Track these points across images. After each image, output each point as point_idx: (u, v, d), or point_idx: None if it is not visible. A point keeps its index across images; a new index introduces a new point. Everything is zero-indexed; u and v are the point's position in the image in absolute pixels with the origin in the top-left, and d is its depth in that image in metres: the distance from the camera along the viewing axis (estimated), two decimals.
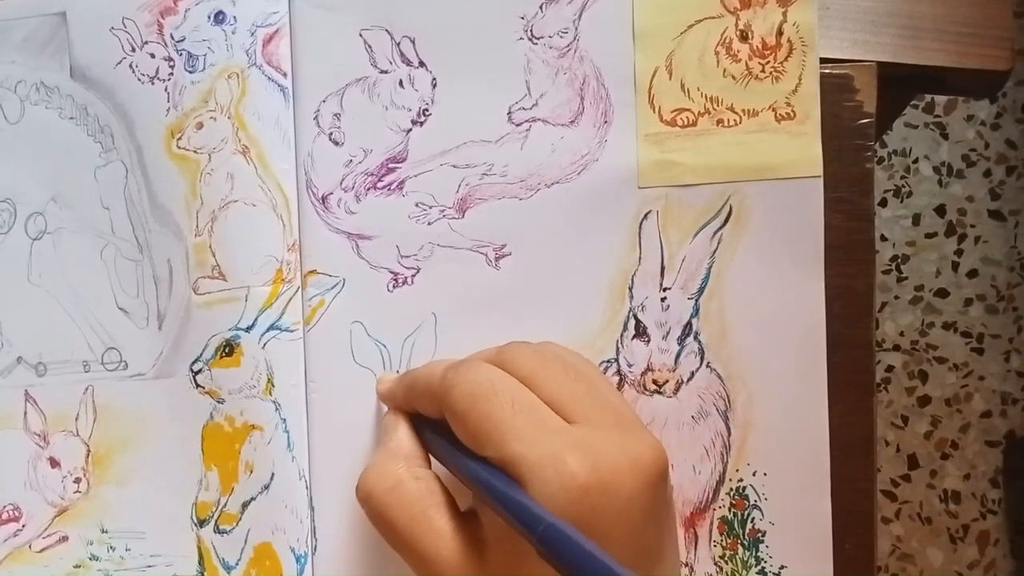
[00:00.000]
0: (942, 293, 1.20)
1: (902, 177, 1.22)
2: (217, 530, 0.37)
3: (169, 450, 0.38)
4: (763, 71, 0.35)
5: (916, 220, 1.22)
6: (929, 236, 1.21)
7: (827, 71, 0.35)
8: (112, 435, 0.38)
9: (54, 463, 0.38)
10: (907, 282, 1.21)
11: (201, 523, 0.37)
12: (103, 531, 0.38)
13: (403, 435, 0.33)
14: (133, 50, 0.38)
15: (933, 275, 1.20)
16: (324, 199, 0.37)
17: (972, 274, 1.20)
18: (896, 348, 1.20)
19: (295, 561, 0.36)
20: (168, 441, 0.38)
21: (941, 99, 1.20)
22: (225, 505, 0.37)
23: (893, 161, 1.22)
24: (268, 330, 0.37)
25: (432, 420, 0.32)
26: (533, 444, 0.27)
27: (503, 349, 0.31)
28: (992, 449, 1.18)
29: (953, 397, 1.19)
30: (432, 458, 0.32)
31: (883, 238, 1.21)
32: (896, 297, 1.20)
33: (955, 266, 1.20)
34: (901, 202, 1.22)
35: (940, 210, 1.21)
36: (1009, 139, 1.21)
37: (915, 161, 1.22)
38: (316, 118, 0.37)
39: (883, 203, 1.22)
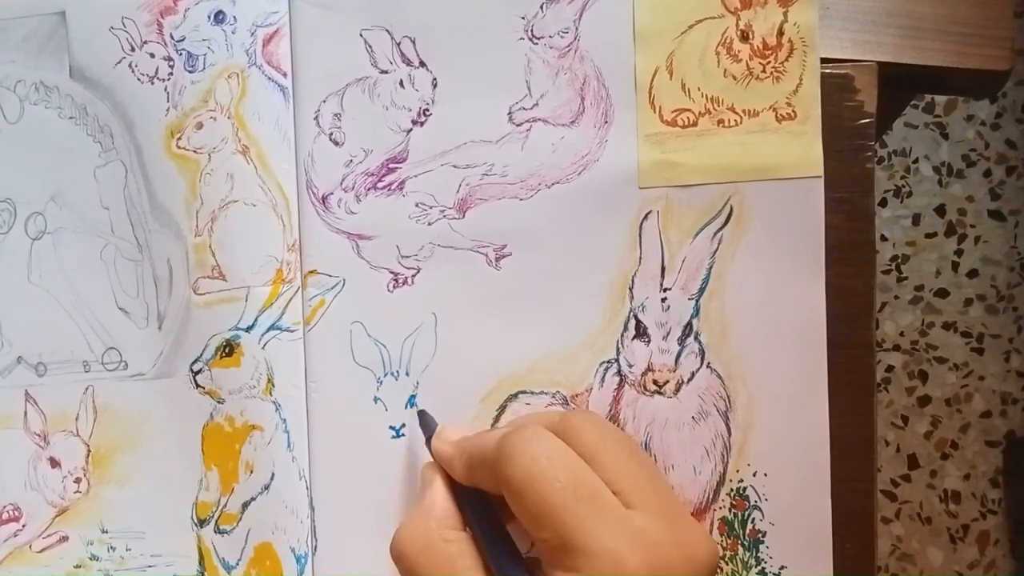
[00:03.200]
0: (942, 293, 1.20)
1: (902, 177, 1.22)
2: (217, 530, 0.37)
3: (169, 450, 0.38)
4: (764, 71, 0.35)
5: (916, 220, 1.21)
6: (929, 236, 1.21)
7: (827, 71, 0.35)
8: (112, 435, 0.38)
9: (54, 463, 0.38)
10: (907, 282, 1.21)
11: (201, 523, 0.37)
12: (103, 531, 0.38)
13: (438, 494, 0.32)
14: (133, 50, 0.38)
15: (933, 275, 1.20)
16: (324, 199, 0.37)
17: (972, 274, 1.20)
18: (896, 348, 1.19)
19: (295, 561, 0.36)
20: (168, 441, 0.38)
21: (941, 99, 1.20)
22: (225, 505, 0.37)
23: (893, 161, 1.22)
24: (268, 330, 0.37)
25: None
26: (593, 534, 0.26)
27: (567, 417, 0.30)
28: (992, 449, 1.18)
29: (953, 397, 1.19)
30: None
31: (883, 238, 1.21)
32: (896, 297, 1.20)
33: (955, 266, 1.20)
34: (901, 202, 1.22)
35: (940, 210, 1.21)
36: (1009, 139, 1.21)
37: (915, 161, 1.22)
38: (316, 118, 0.37)
39: (883, 203, 1.22)
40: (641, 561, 0.26)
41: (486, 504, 0.31)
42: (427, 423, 0.35)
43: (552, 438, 0.29)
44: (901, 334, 1.20)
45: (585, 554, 0.26)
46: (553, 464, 0.28)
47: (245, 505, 0.37)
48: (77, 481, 0.38)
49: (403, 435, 0.37)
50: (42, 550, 0.38)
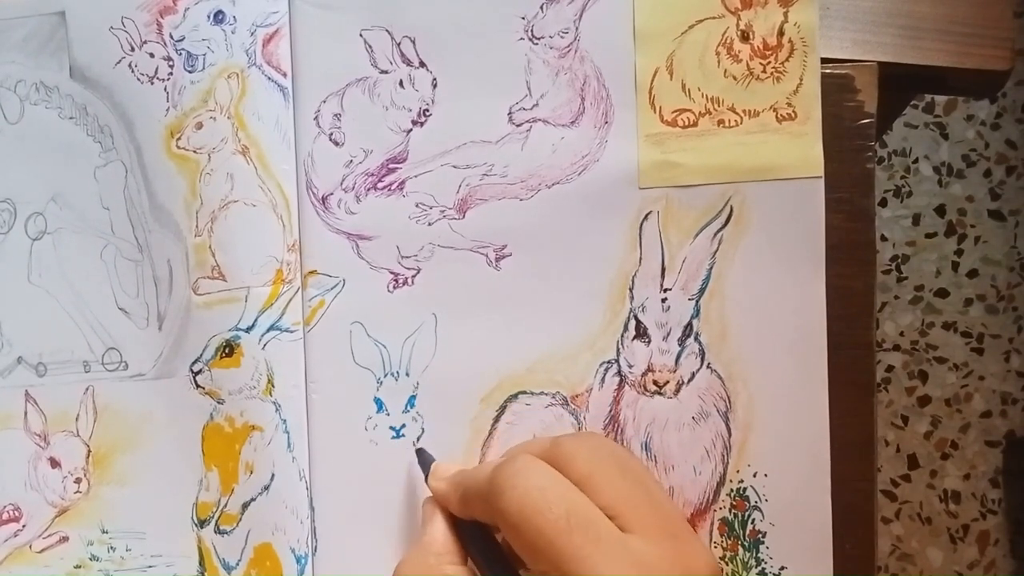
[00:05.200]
0: (942, 293, 1.20)
1: (902, 177, 1.22)
2: (217, 530, 0.37)
3: (169, 450, 0.38)
4: (764, 71, 0.35)
5: (916, 220, 1.21)
6: (929, 236, 1.21)
7: (827, 71, 0.35)
8: (112, 435, 0.38)
9: (54, 463, 0.38)
10: (907, 282, 1.21)
11: (202, 523, 0.37)
12: (103, 531, 0.38)
13: (438, 529, 0.32)
14: (132, 50, 0.38)
15: (933, 275, 1.20)
16: (324, 199, 0.37)
17: (972, 274, 1.20)
18: (896, 348, 1.19)
19: (295, 561, 0.36)
20: (168, 441, 0.38)
21: (941, 99, 1.20)
22: (225, 505, 0.37)
23: (893, 161, 1.22)
24: (268, 330, 0.37)
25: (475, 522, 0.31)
26: (591, 565, 0.26)
27: (558, 443, 0.30)
28: (992, 449, 1.18)
29: (953, 397, 1.19)
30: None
31: (883, 238, 1.21)
32: (896, 297, 1.20)
33: (955, 266, 1.20)
34: (901, 202, 1.22)
35: (940, 210, 1.21)
36: (1009, 139, 1.21)
37: (915, 161, 1.22)
38: (316, 118, 0.37)
39: (883, 203, 1.22)
40: None
41: (487, 536, 0.31)
42: (425, 461, 0.35)
43: (544, 468, 0.28)
44: (901, 334, 1.20)
45: None
46: (546, 496, 0.27)
47: (245, 505, 0.37)
48: (77, 481, 0.38)
49: (403, 435, 0.37)
50: (42, 550, 0.38)
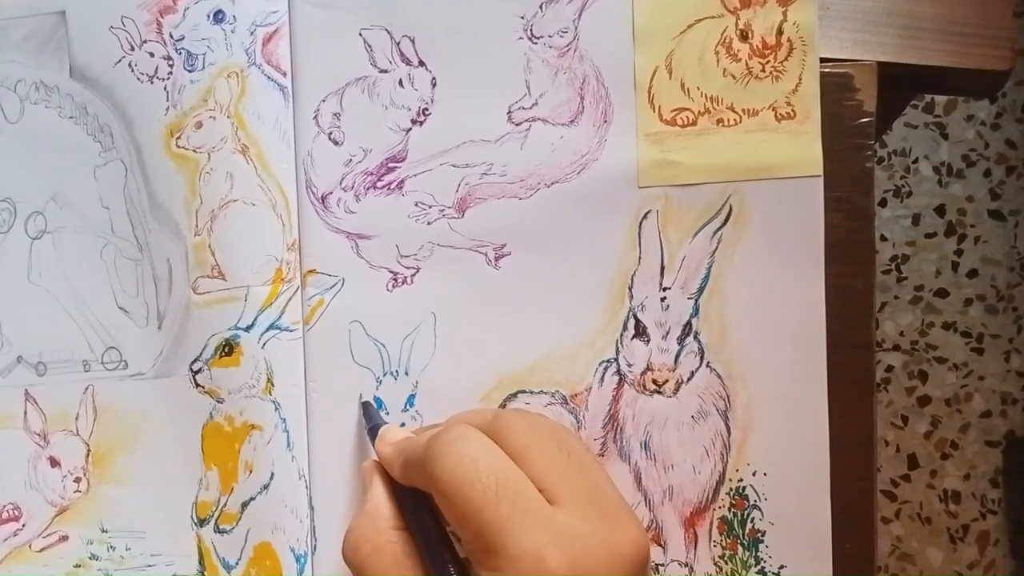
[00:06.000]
0: (942, 293, 1.20)
1: (902, 177, 1.22)
2: (217, 529, 0.37)
3: (169, 450, 0.38)
4: (763, 70, 0.35)
5: (916, 220, 1.21)
6: (929, 236, 1.21)
7: (827, 71, 0.35)
8: (112, 435, 0.38)
9: (54, 462, 0.38)
10: (907, 282, 1.21)
11: (201, 522, 0.37)
12: (103, 530, 0.38)
13: (379, 493, 0.32)
14: (132, 49, 0.38)
15: (933, 275, 1.20)
16: (324, 198, 0.37)
17: (972, 274, 1.20)
18: (896, 348, 1.19)
19: (295, 561, 0.36)
20: (168, 441, 0.38)
21: (941, 99, 1.20)
22: (225, 505, 0.37)
23: (893, 161, 1.22)
24: (268, 330, 0.37)
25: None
26: (514, 535, 0.26)
27: (498, 417, 0.30)
28: (992, 449, 1.18)
29: (953, 397, 1.19)
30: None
31: (883, 238, 1.21)
32: (896, 297, 1.20)
33: (955, 266, 1.20)
34: (901, 202, 1.22)
35: (940, 210, 1.21)
36: (1009, 139, 1.21)
37: (915, 161, 1.22)
38: (316, 117, 0.37)
39: (883, 203, 1.22)
40: (563, 560, 0.26)
41: (424, 503, 0.31)
42: (370, 415, 0.35)
43: (479, 438, 0.29)
44: (901, 334, 1.20)
45: (506, 555, 0.26)
46: (477, 465, 0.27)
47: (245, 505, 0.37)
48: (77, 480, 0.38)
49: None
50: (42, 549, 0.38)
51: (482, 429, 0.29)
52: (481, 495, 0.27)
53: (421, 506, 0.31)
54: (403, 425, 0.36)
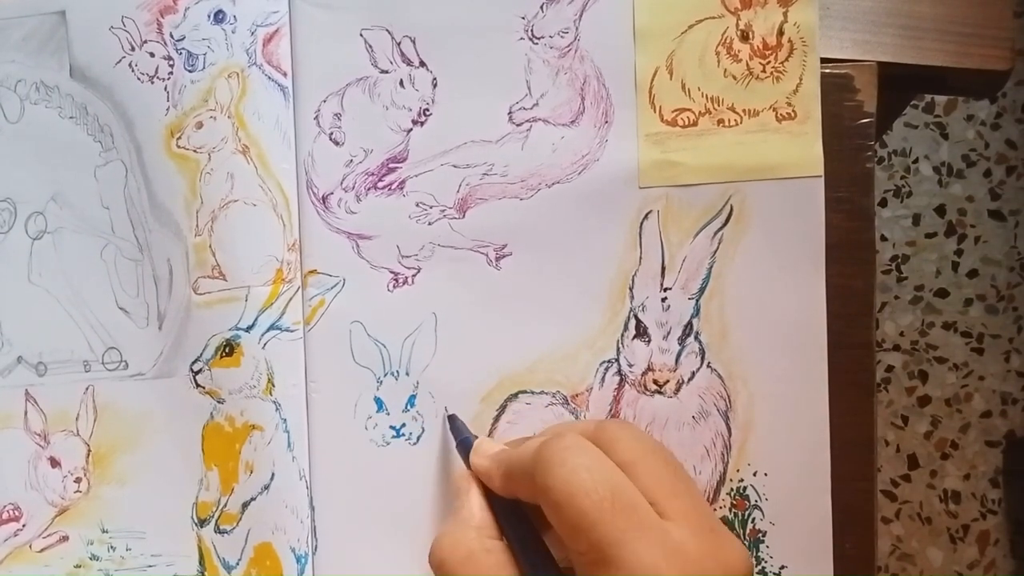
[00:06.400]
0: (942, 293, 1.20)
1: (902, 177, 1.22)
2: (217, 530, 0.37)
3: (169, 450, 0.38)
4: (764, 71, 0.35)
5: (916, 220, 1.21)
6: (929, 236, 1.21)
7: (827, 71, 0.35)
8: (113, 435, 0.38)
9: (54, 463, 0.38)
10: (907, 282, 1.21)
11: (202, 523, 0.37)
12: (103, 531, 0.38)
13: (475, 502, 0.32)
14: (132, 49, 0.38)
15: (933, 275, 1.20)
16: (324, 199, 0.37)
17: (972, 274, 1.20)
18: (896, 348, 1.19)
19: (295, 561, 0.36)
20: (168, 441, 0.38)
21: (941, 99, 1.20)
22: (225, 505, 0.37)
23: (893, 161, 1.22)
24: (268, 330, 0.37)
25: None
26: (630, 549, 0.26)
27: (603, 426, 0.30)
28: (992, 449, 1.18)
29: (953, 397, 1.19)
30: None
31: (883, 238, 1.21)
32: (896, 297, 1.20)
33: (955, 266, 1.20)
34: (901, 202, 1.22)
35: (940, 210, 1.21)
36: (1009, 139, 1.21)
37: (915, 161, 1.22)
38: (316, 118, 0.37)
39: (883, 203, 1.22)
40: (678, 575, 0.26)
41: (521, 514, 0.31)
42: (457, 428, 0.35)
43: (591, 448, 0.28)
44: (901, 334, 1.20)
45: (622, 568, 0.26)
46: (592, 475, 0.27)
47: (245, 505, 0.37)
48: (77, 481, 0.38)
49: (403, 435, 0.37)
50: (42, 550, 0.38)
51: (585, 435, 0.29)
52: (597, 506, 0.26)
53: (520, 517, 0.31)
54: (403, 426, 0.37)
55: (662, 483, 0.28)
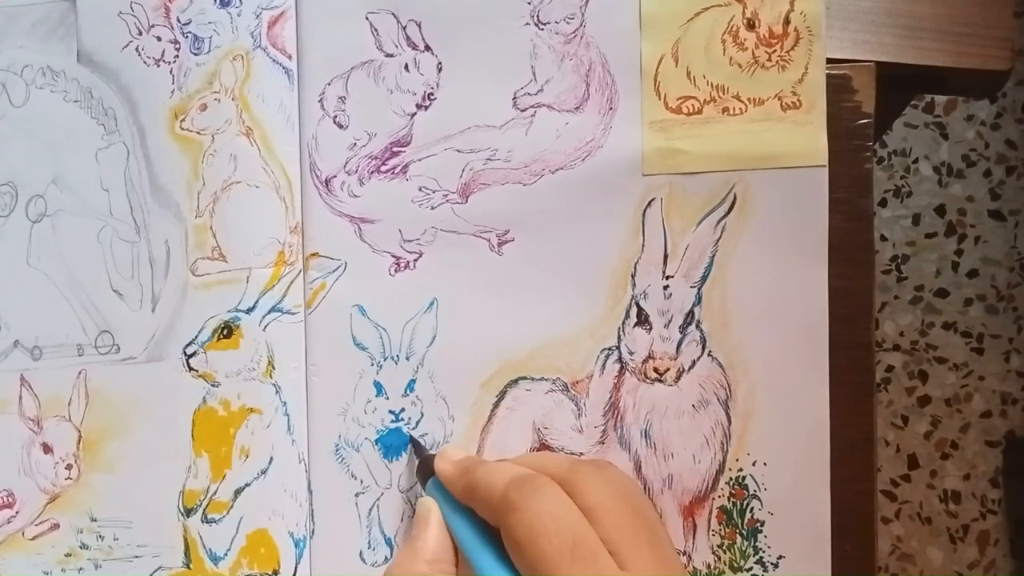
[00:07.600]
0: (942, 293, 1.20)
1: (902, 177, 1.22)
2: (205, 519, 0.37)
3: (157, 436, 0.37)
4: (769, 60, 0.35)
5: (916, 220, 1.21)
6: (929, 236, 1.21)
7: (827, 71, 0.35)
8: (103, 420, 0.38)
9: (47, 449, 0.38)
10: (907, 282, 1.20)
11: (188, 512, 0.37)
12: (92, 519, 0.37)
13: (432, 534, 0.32)
14: (140, 33, 0.38)
15: (933, 275, 1.20)
16: (327, 182, 0.37)
17: (972, 274, 1.20)
18: (896, 348, 1.19)
19: (293, 545, 0.36)
20: (156, 427, 0.37)
21: (941, 99, 1.20)
22: (215, 493, 0.36)
23: (893, 161, 1.22)
24: (269, 312, 0.36)
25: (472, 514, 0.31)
26: None
27: (574, 469, 0.30)
28: (992, 449, 1.18)
29: (953, 397, 1.19)
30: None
31: (883, 238, 1.21)
32: (896, 297, 1.20)
33: (955, 266, 1.20)
34: (901, 202, 1.22)
35: (940, 210, 1.21)
36: (1009, 139, 1.21)
37: (915, 161, 1.22)
38: (321, 101, 0.37)
39: (883, 203, 1.22)
40: None
41: (480, 529, 0.31)
42: (419, 450, 0.36)
43: (558, 494, 0.29)
44: (901, 334, 1.20)
45: None
46: (556, 522, 0.28)
47: (238, 492, 0.36)
48: (68, 467, 0.38)
49: (402, 419, 0.37)
50: (34, 537, 0.38)
51: (556, 477, 0.30)
52: (557, 552, 0.27)
53: (477, 533, 0.31)
54: (402, 411, 0.36)
55: (624, 533, 0.29)
